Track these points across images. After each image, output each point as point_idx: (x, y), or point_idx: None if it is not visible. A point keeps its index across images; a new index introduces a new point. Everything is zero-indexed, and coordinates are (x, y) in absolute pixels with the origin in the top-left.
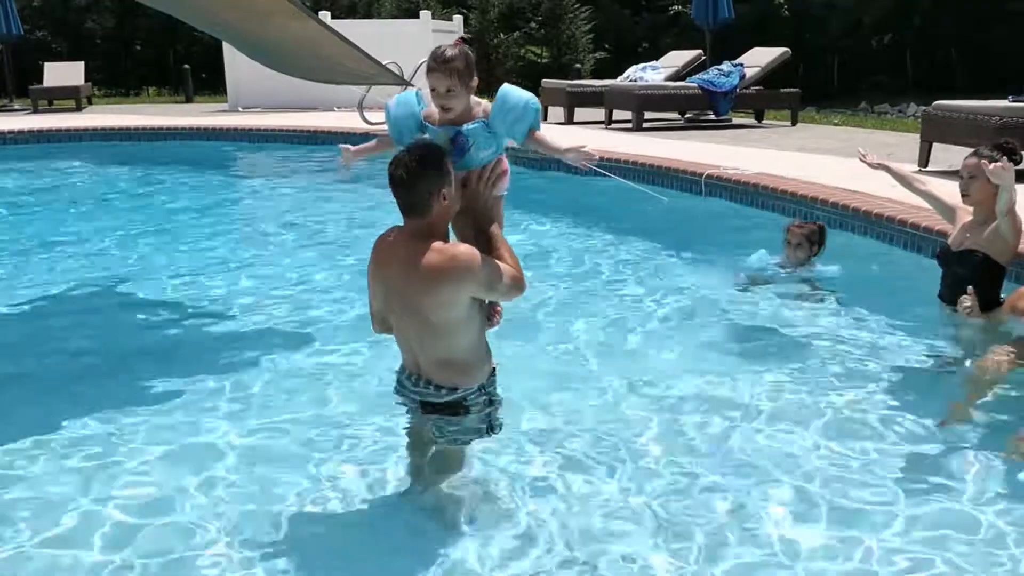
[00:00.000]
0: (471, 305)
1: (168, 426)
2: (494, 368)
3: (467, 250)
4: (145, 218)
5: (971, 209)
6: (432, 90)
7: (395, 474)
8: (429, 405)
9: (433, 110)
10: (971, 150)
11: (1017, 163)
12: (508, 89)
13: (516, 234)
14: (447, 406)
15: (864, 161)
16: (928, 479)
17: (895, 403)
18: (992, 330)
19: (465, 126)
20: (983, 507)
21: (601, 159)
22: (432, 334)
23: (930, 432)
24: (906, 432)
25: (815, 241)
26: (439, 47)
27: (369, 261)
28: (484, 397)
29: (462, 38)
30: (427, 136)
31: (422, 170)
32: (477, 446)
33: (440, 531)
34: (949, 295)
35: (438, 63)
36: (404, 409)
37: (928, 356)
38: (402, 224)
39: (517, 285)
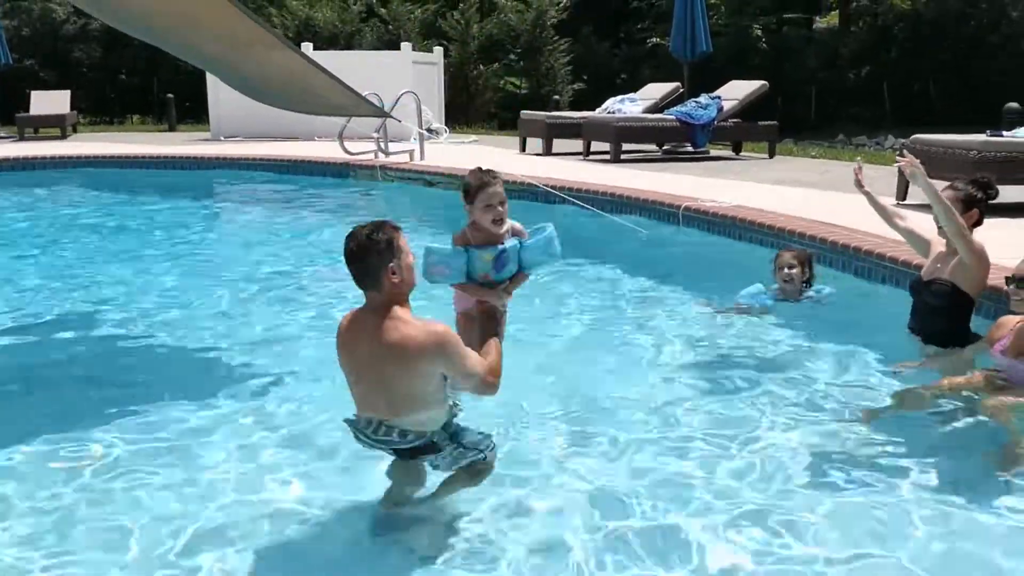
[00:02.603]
0: (442, 380)
1: (134, 450)
2: (452, 404)
3: (442, 329)
4: (126, 244)
5: (944, 241)
6: (487, 206)
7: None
8: (399, 451)
9: (465, 235)
10: (948, 183)
11: (992, 198)
12: (550, 242)
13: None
14: (417, 449)
15: (857, 175)
16: (899, 507)
17: (862, 435)
18: (963, 366)
19: (508, 243)
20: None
21: (579, 191)
22: (402, 405)
23: (898, 462)
24: (875, 464)
25: (805, 263)
26: (477, 168)
27: (337, 346)
28: (448, 434)
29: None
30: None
31: (371, 245)
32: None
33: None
34: (919, 325)
35: (489, 176)
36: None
37: (900, 387)
38: (363, 304)
39: (490, 383)
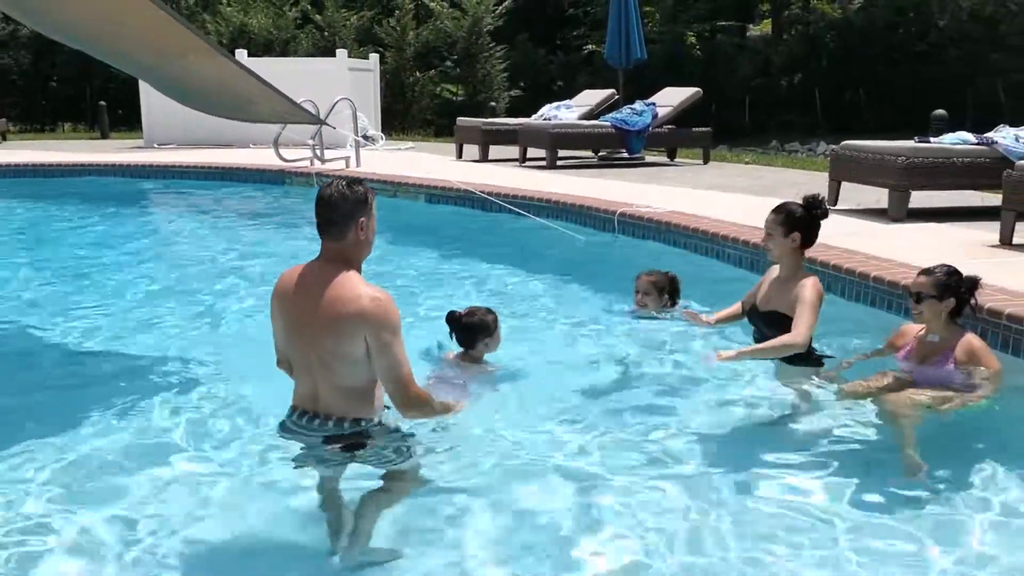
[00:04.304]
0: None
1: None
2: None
3: (389, 298)
4: (55, 254)
5: (778, 267)
6: None
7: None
8: (333, 438)
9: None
10: (873, 188)
11: (819, 216)
12: None
13: (424, 267)
14: (351, 436)
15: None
16: (795, 517)
17: (759, 440)
18: (833, 382)
19: None
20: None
21: (515, 197)
22: (336, 361)
23: (792, 469)
24: (771, 473)
25: (663, 288)
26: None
27: (272, 296)
28: (385, 429)
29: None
30: None
31: (349, 195)
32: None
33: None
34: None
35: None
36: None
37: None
38: (314, 258)
39: (413, 397)
